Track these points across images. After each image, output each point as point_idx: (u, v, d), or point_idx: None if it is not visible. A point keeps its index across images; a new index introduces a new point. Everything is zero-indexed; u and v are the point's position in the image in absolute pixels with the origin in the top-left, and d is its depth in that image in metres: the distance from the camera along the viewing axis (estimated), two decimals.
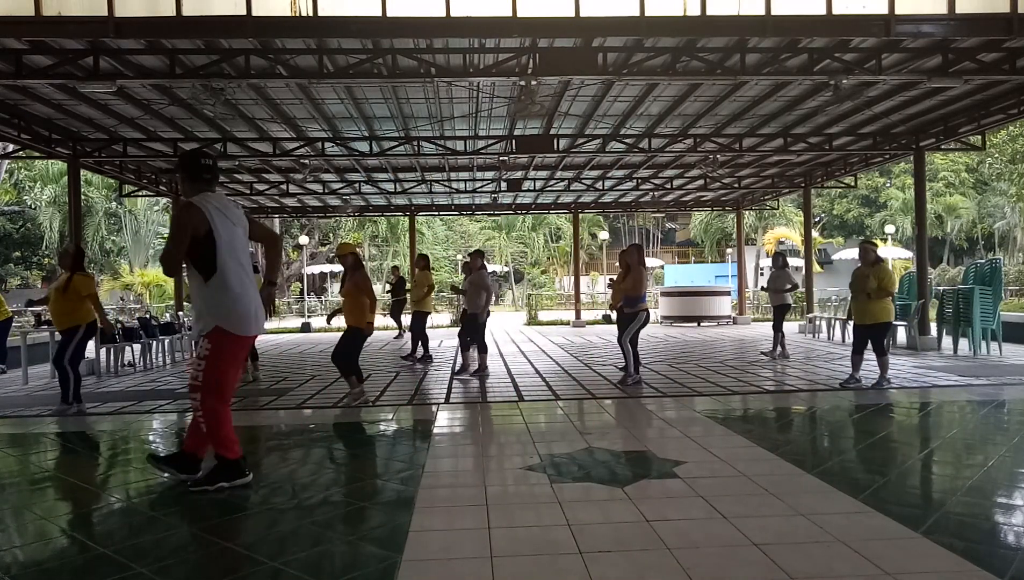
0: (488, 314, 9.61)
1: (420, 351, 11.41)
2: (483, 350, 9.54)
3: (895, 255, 29.91)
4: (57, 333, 7.95)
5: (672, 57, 8.54)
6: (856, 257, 8.36)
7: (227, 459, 4.28)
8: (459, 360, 9.95)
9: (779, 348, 11.18)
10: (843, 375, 8.69)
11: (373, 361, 12.03)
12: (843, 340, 13.72)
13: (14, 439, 6.33)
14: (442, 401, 7.75)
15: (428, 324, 11.89)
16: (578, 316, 21.44)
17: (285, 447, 6.03)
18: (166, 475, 4.51)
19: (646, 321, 8.61)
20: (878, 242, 8.63)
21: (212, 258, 4.08)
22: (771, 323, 11.72)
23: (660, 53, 8.51)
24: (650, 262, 32.93)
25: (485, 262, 10.05)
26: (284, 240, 38.81)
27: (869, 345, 8.01)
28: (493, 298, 10.09)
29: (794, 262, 35.03)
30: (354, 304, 7.42)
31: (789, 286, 11.46)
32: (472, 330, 9.39)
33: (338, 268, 40.06)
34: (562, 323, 22.19)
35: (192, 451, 4.45)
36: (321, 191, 17.85)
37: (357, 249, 7.98)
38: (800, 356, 11.35)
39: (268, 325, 24.75)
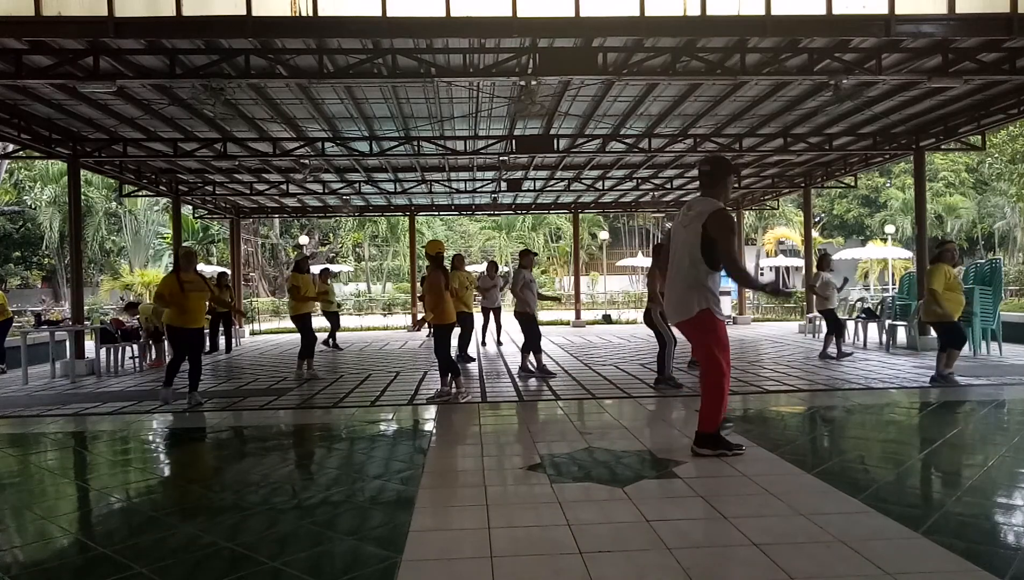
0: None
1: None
2: (529, 350, 9.56)
3: (895, 255, 29.89)
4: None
5: (672, 57, 8.54)
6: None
7: (712, 434, 4.83)
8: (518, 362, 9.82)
9: (835, 348, 10.90)
10: (844, 375, 8.69)
11: (374, 361, 12.04)
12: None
13: (14, 439, 6.34)
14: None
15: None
16: (578, 316, 21.44)
17: (285, 447, 6.04)
18: (704, 452, 4.80)
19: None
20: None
21: (716, 256, 4.75)
22: (825, 329, 11.36)
23: (660, 53, 8.51)
24: (649, 262, 32.82)
25: (531, 262, 9.98)
26: (284, 240, 38.91)
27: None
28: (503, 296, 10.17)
29: (794, 262, 35.16)
30: (433, 303, 7.55)
31: (839, 288, 11.36)
32: (530, 330, 9.39)
33: (336, 268, 40.14)
34: (562, 323, 22.18)
35: (710, 430, 4.84)
36: (321, 191, 17.84)
37: (433, 249, 7.79)
38: (800, 356, 11.34)
39: (268, 325, 24.67)
